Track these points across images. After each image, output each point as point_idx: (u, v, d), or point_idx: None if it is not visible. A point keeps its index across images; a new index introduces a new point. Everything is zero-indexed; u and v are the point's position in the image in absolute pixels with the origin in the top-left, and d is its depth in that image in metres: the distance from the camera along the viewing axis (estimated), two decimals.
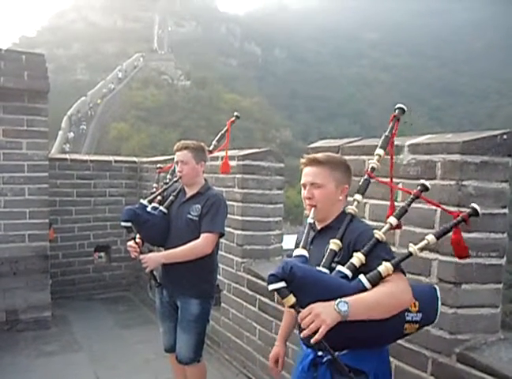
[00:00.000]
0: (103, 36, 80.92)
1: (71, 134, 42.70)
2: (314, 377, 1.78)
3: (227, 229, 3.81)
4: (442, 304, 2.09)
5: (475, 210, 1.67)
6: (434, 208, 2.13)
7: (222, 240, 3.43)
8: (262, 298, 3.67)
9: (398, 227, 1.84)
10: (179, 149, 2.97)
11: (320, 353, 1.80)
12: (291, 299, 1.61)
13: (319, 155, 1.91)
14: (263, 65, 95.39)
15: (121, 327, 5.21)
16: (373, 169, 1.95)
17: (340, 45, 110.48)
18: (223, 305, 4.27)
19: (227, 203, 3.12)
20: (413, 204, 2.18)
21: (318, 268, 1.76)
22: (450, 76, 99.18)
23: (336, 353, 1.68)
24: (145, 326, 5.14)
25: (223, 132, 3.31)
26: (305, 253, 1.80)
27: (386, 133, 2.01)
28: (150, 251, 3.33)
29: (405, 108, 1.99)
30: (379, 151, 1.98)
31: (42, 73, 4.88)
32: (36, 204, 4.93)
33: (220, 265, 4.06)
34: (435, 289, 1.92)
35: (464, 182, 2.05)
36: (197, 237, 2.86)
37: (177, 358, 2.99)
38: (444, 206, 2.10)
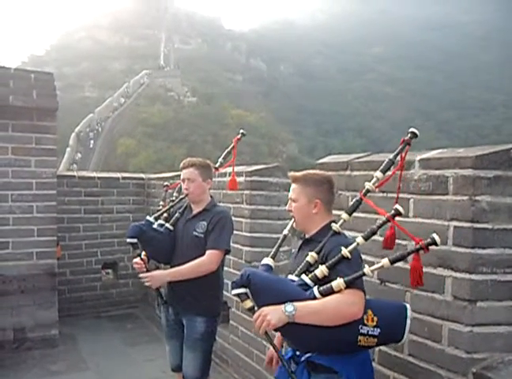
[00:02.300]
0: (110, 54, 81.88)
1: (78, 155, 43.27)
2: (292, 372, 1.95)
3: (235, 246, 3.78)
4: (457, 322, 2.05)
5: (433, 240, 1.74)
6: (446, 223, 2.10)
7: (230, 257, 3.40)
8: None
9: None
10: (186, 167, 2.97)
11: (298, 353, 1.98)
12: (248, 303, 1.91)
13: (297, 173, 2.15)
14: (269, 80, 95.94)
15: (128, 345, 5.17)
16: (367, 191, 2.02)
17: (346, 60, 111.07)
18: (231, 322, 4.21)
19: (235, 219, 3.10)
20: (420, 219, 2.21)
21: (289, 275, 2.00)
22: (457, 89, 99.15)
23: (309, 354, 1.91)
24: (153, 344, 5.09)
25: (229, 149, 3.29)
26: (270, 262, 2.15)
27: (391, 157, 2.04)
28: (157, 268, 3.31)
29: (418, 133, 2.01)
30: (378, 174, 2.02)
31: (50, 92, 4.93)
32: (44, 222, 4.93)
33: (228, 282, 4.01)
34: (406, 308, 1.98)
35: (478, 197, 2.01)
36: (203, 254, 2.85)
37: (184, 377, 2.95)
38: (456, 222, 2.07)
